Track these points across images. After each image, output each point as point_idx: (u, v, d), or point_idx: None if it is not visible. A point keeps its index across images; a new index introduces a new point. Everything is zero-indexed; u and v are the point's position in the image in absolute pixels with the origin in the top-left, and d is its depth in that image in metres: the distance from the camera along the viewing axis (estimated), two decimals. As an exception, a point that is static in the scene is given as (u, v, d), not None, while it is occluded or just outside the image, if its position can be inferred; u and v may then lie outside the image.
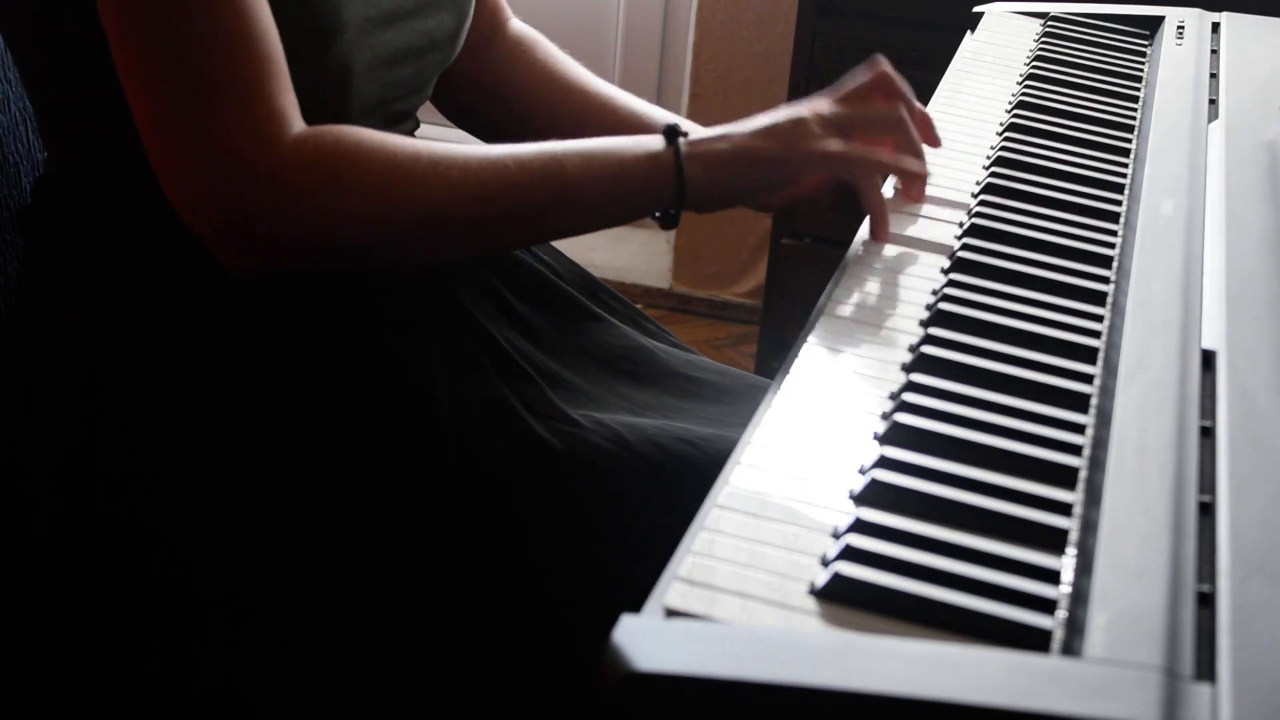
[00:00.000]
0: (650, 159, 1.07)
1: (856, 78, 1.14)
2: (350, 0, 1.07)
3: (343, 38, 1.06)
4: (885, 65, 1.15)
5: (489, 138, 1.37)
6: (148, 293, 1.08)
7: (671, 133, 1.07)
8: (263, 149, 0.98)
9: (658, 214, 1.10)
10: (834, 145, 1.09)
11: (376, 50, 1.10)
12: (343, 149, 1.01)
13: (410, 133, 1.22)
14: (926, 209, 1.16)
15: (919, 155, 1.15)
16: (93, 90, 1.05)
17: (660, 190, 1.07)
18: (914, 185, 1.15)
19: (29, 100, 1.20)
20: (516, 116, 1.33)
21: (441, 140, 1.06)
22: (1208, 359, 0.91)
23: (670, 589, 0.71)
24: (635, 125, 1.29)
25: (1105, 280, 1.05)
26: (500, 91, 1.33)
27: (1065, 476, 0.82)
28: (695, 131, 1.10)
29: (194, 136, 0.97)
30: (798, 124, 1.09)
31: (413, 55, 1.14)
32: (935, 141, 1.20)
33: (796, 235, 2.36)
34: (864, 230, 1.12)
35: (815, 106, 1.11)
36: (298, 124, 1.01)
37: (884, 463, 0.82)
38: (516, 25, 1.35)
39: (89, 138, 1.09)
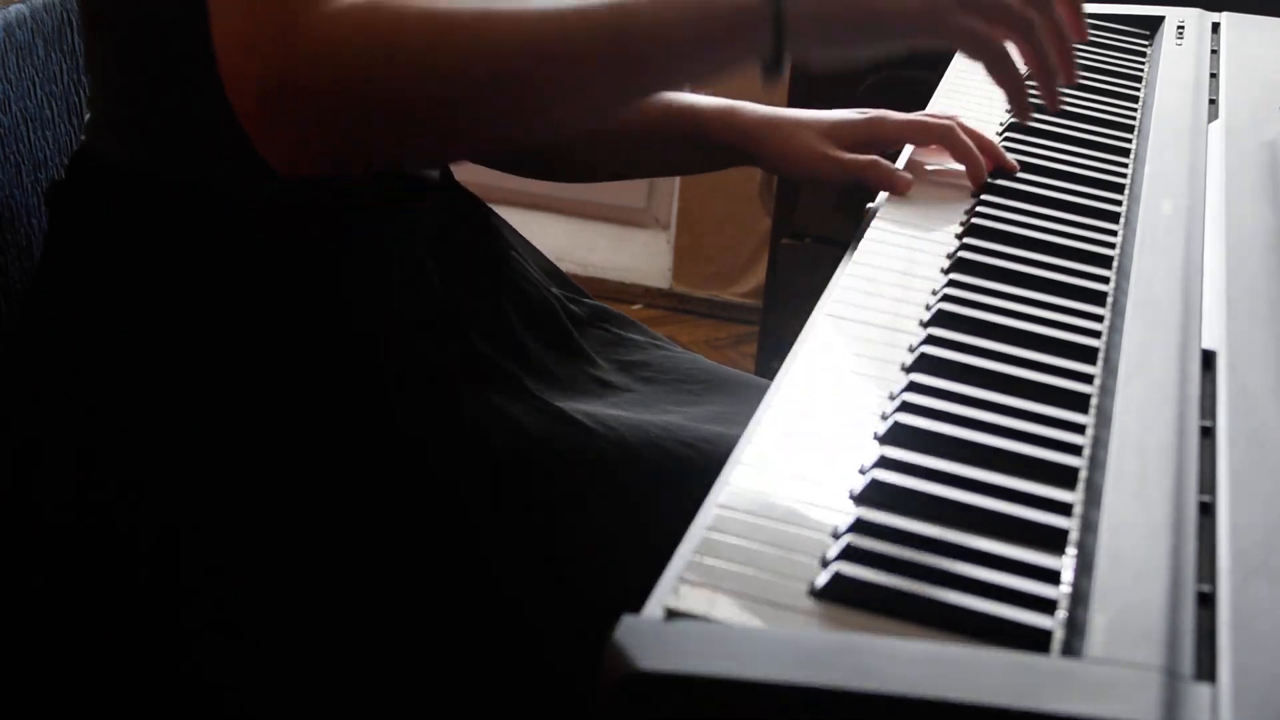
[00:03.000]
0: (743, 7, 0.95)
1: None
2: None
3: None
4: None
5: (516, 169, 1.38)
6: (177, 279, 1.08)
7: None
8: (298, 17, 0.92)
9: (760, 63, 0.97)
10: (974, 24, 1.00)
11: None
12: (379, 12, 0.93)
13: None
14: (926, 209, 1.16)
15: (1061, 45, 1.06)
16: (153, 40, 1.06)
17: (754, 44, 0.95)
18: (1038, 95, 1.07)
19: (83, 60, 1.19)
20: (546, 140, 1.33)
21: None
22: (1208, 359, 0.91)
23: (671, 589, 0.71)
24: (653, 108, 1.29)
25: (1105, 280, 1.05)
26: None
27: (1065, 476, 0.82)
28: None
29: (234, 16, 0.93)
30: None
31: None
32: (1081, 35, 1.11)
33: (796, 235, 2.36)
34: (863, 229, 1.12)
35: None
36: None
37: (884, 463, 0.82)
38: None
39: (141, 95, 1.09)
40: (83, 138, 1.17)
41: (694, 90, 1.00)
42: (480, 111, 0.96)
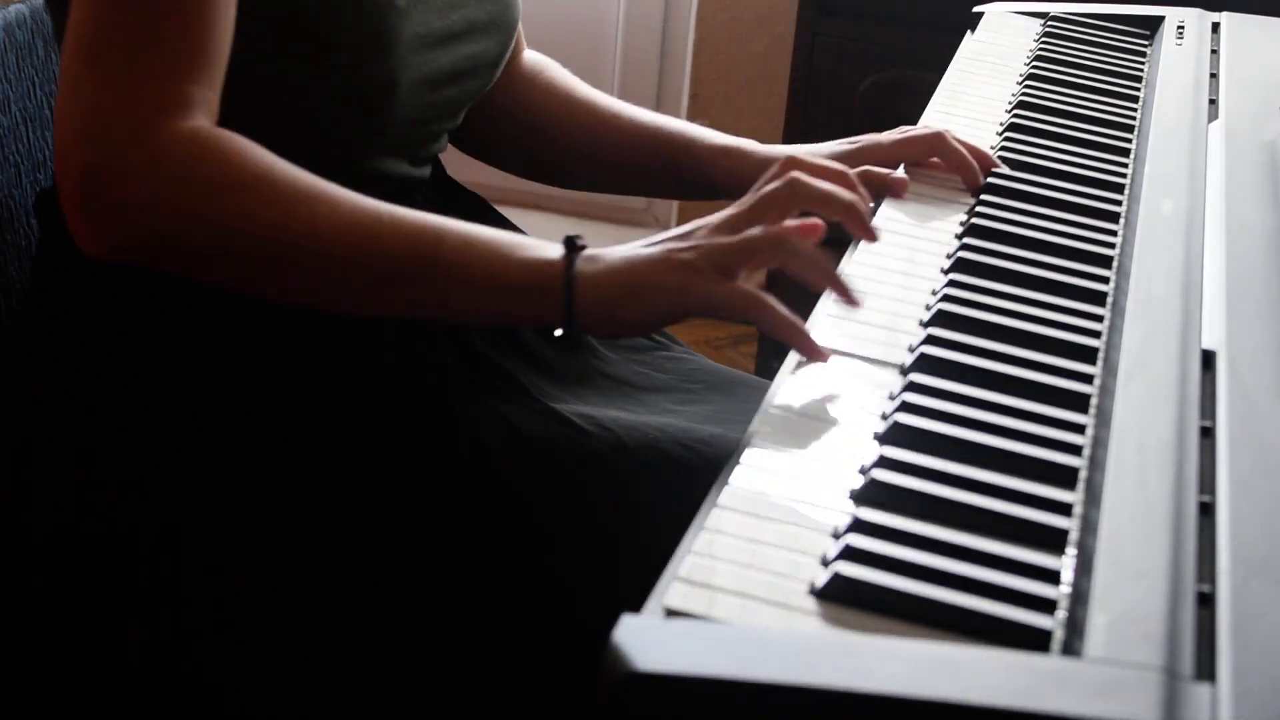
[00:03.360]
0: (538, 269, 0.97)
1: (758, 187, 1.04)
2: (407, 17, 1.07)
3: (394, 53, 1.06)
4: (795, 172, 1.03)
5: (499, 162, 1.38)
6: (171, 281, 1.08)
7: (570, 244, 0.98)
8: (145, 122, 0.96)
9: (558, 336, 0.99)
10: (732, 290, 0.98)
11: (424, 69, 1.11)
12: (222, 150, 0.97)
13: (437, 156, 1.23)
14: (926, 209, 1.16)
15: (819, 271, 0.99)
16: None
17: (547, 306, 0.97)
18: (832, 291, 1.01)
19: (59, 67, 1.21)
20: (529, 139, 1.33)
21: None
22: (1208, 359, 0.91)
23: (670, 589, 0.71)
24: (644, 135, 1.30)
25: (1105, 280, 1.05)
26: (513, 115, 1.33)
27: (1065, 476, 0.82)
28: (594, 249, 0.99)
29: (86, 85, 0.96)
30: (699, 255, 0.98)
31: (456, 79, 1.15)
32: (870, 235, 1.04)
33: (796, 235, 2.36)
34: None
35: (703, 235, 1.01)
36: (194, 118, 0.97)
37: (884, 463, 0.82)
38: (529, 53, 1.36)
39: None
40: None
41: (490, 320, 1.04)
42: (273, 276, 0.99)
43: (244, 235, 0.97)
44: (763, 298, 0.97)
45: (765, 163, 1.23)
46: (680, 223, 3.19)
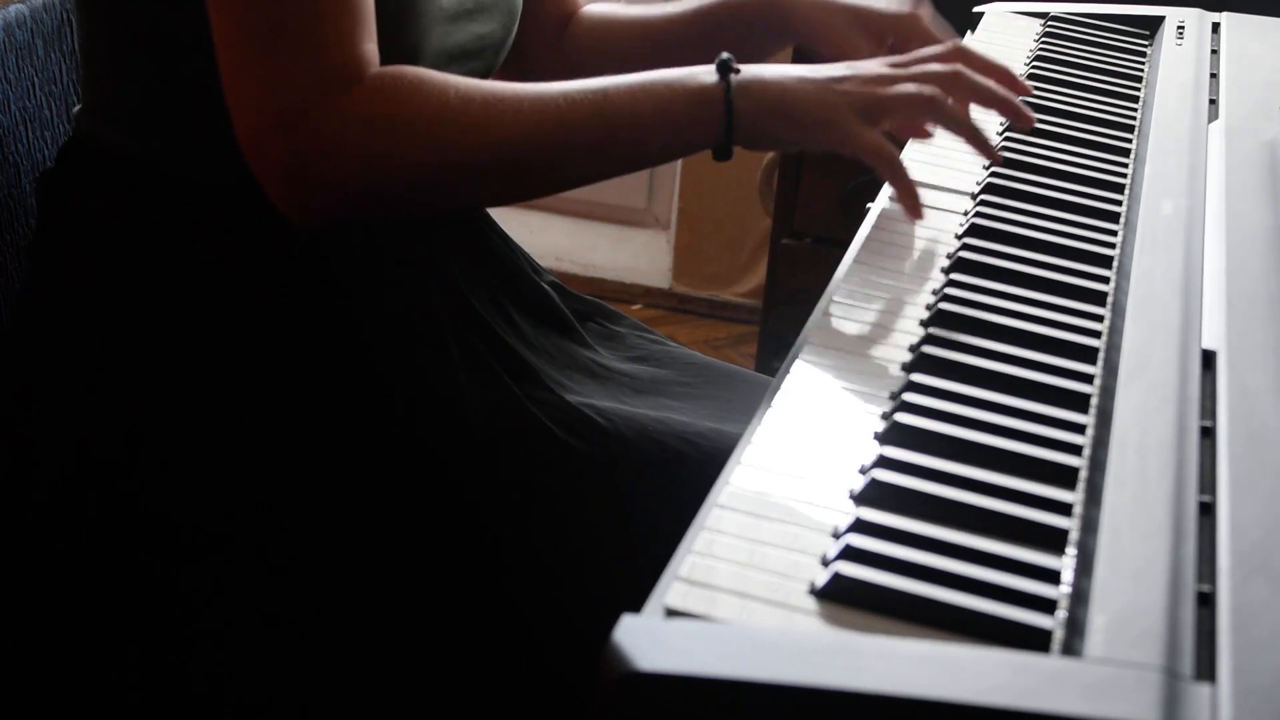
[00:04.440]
0: (700, 92, 1.06)
1: (921, 56, 1.13)
2: None
3: (419, 23, 1.09)
4: (958, 43, 1.16)
5: None
6: (167, 264, 1.08)
7: (724, 67, 1.07)
8: (329, 98, 1.00)
9: (713, 153, 1.09)
10: (870, 138, 1.08)
11: (443, 42, 1.13)
12: (402, 97, 1.02)
13: None
14: (926, 209, 1.16)
15: (966, 128, 1.12)
16: (151, 32, 1.07)
17: (710, 128, 1.07)
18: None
19: (78, 47, 1.22)
20: (605, 60, 1.35)
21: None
22: (1208, 359, 0.91)
23: (670, 589, 0.71)
24: (692, 18, 1.34)
25: (1105, 280, 1.05)
26: (577, 70, 1.34)
27: (1065, 476, 0.82)
28: (749, 69, 1.08)
29: (263, 76, 1.00)
30: (844, 96, 1.07)
31: (466, 56, 1.17)
32: (1024, 89, 1.19)
33: (796, 235, 2.36)
34: (863, 229, 1.12)
35: (867, 74, 1.09)
36: (372, 68, 1.02)
37: (884, 462, 0.82)
38: (589, 6, 1.39)
39: (137, 82, 1.09)
40: (72, 127, 1.17)
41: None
42: (484, 189, 1.09)
43: (451, 165, 1.04)
44: (894, 153, 1.09)
45: (854, 13, 1.28)
46: (680, 223, 3.18)
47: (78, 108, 1.16)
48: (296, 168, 1.01)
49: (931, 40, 1.25)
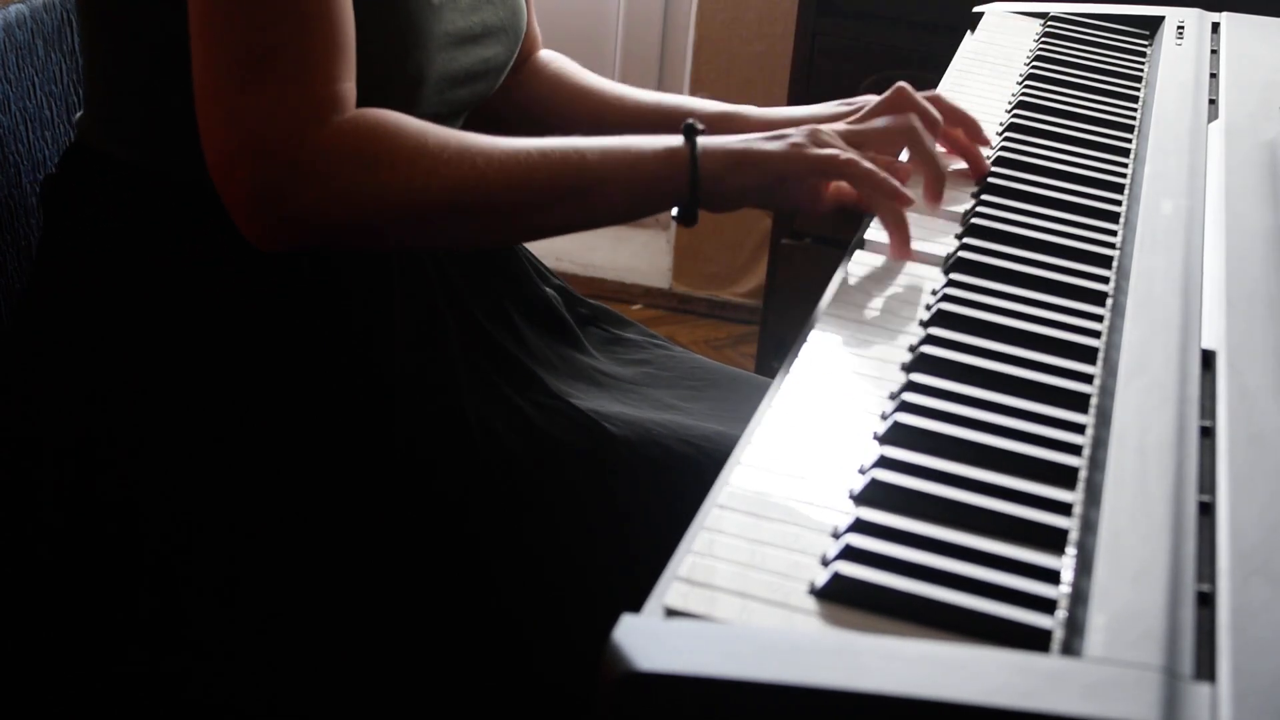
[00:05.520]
0: (667, 153, 1.09)
1: (874, 108, 1.19)
2: (439, 15, 1.11)
3: (423, 49, 1.10)
4: (904, 86, 1.20)
5: None
6: (169, 270, 1.08)
7: (690, 130, 1.10)
8: (305, 131, 1.00)
9: (676, 214, 1.11)
10: (838, 154, 1.10)
11: (447, 67, 1.13)
12: (379, 135, 1.03)
13: None
14: (925, 210, 1.16)
15: (933, 162, 1.15)
16: (152, 42, 1.07)
17: (676, 184, 1.09)
18: (932, 187, 1.15)
19: (81, 53, 1.21)
20: (539, 125, 1.35)
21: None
22: (1208, 359, 0.91)
23: (670, 589, 0.71)
24: (646, 111, 1.34)
25: (1105, 280, 1.05)
26: (526, 108, 1.37)
27: (1065, 476, 0.82)
28: (714, 137, 1.12)
29: (242, 104, 0.99)
30: (809, 133, 1.11)
31: (471, 79, 1.18)
32: (982, 140, 1.23)
33: (796, 235, 2.36)
34: (863, 230, 1.12)
35: (830, 123, 1.13)
36: (348, 108, 1.03)
37: (884, 462, 0.82)
38: (545, 51, 1.40)
39: (138, 94, 1.09)
40: (74, 133, 1.17)
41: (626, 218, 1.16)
42: (452, 232, 1.08)
43: (420, 204, 1.04)
44: (862, 160, 1.10)
45: (766, 125, 1.28)
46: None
47: (79, 114, 1.16)
48: (265, 197, 1.00)
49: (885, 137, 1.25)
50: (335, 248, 1.08)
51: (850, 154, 1.10)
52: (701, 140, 1.10)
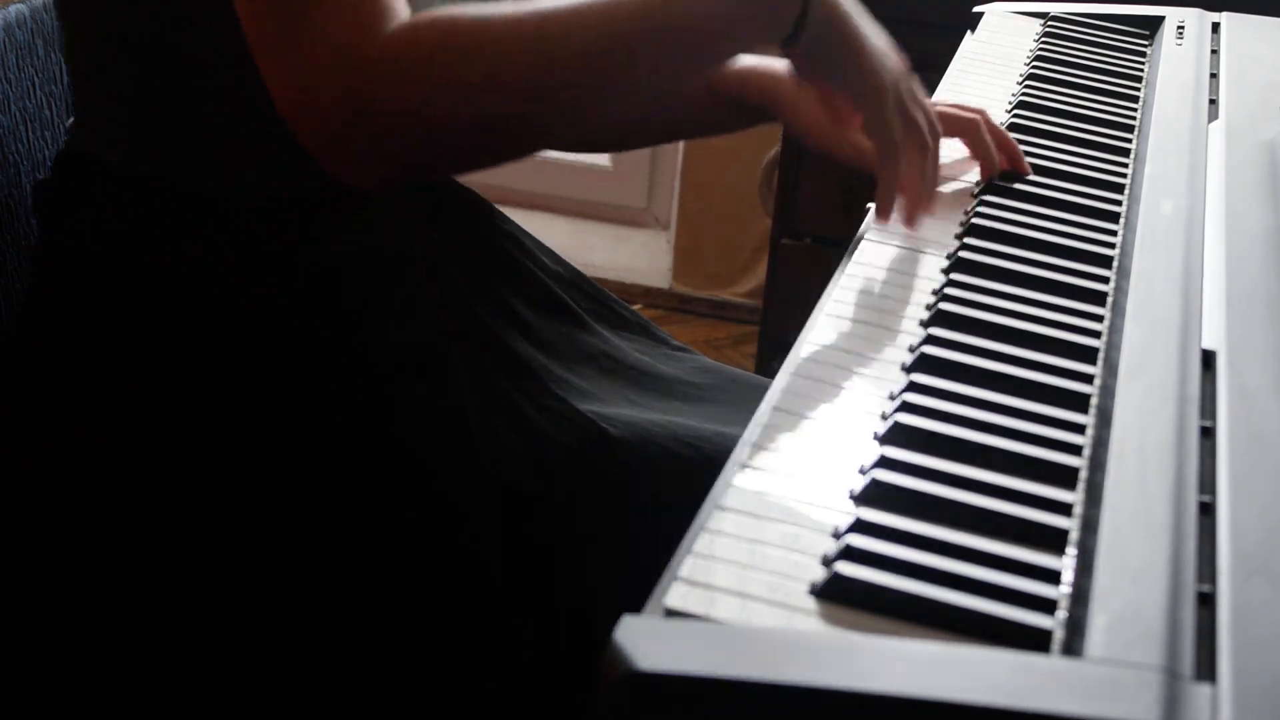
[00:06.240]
0: None
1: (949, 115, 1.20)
2: None
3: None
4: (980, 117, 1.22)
5: None
6: (166, 273, 1.08)
7: None
8: (364, 39, 0.95)
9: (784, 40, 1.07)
10: (898, 130, 1.10)
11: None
12: (445, 26, 0.97)
13: None
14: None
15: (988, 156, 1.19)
16: (137, 45, 1.06)
17: (779, 18, 1.05)
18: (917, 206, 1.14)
19: (64, 61, 1.20)
20: None
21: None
22: (1208, 359, 0.91)
23: (670, 589, 0.71)
24: None
25: (1105, 280, 1.05)
26: None
27: (1065, 476, 0.82)
28: None
29: (301, 28, 0.95)
30: (892, 86, 1.10)
31: None
32: (1025, 169, 1.22)
33: (796, 235, 2.36)
34: (863, 230, 1.12)
35: (906, 88, 1.12)
36: (402, 15, 0.98)
37: (884, 463, 0.82)
38: None
39: (126, 99, 1.09)
40: (66, 138, 1.17)
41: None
42: (552, 116, 1.01)
43: (504, 83, 0.98)
44: (900, 152, 1.10)
45: (794, 84, 1.24)
46: (680, 223, 3.17)
47: (70, 120, 1.16)
48: (355, 111, 0.95)
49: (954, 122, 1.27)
50: (433, 170, 1.05)
51: (923, 136, 1.11)
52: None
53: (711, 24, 1.03)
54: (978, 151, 1.21)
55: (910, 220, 1.12)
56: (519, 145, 1.06)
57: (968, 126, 1.21)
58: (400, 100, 0.96)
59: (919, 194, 1.12)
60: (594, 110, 1.06)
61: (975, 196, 1.17)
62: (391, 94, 0.96)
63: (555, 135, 1.10)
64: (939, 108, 1.24)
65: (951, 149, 1.24)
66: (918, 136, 1.12)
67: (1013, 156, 1.21)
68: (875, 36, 1.11)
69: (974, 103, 1.36)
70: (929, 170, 1.12)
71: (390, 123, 0.96)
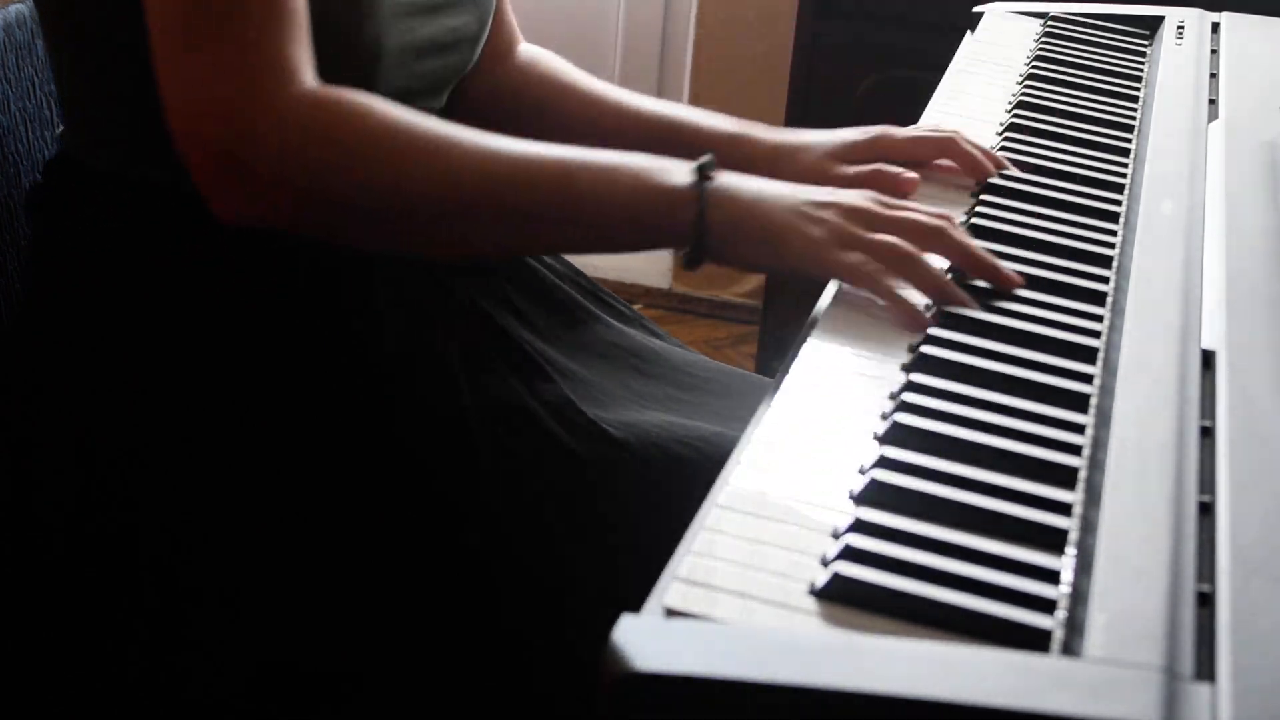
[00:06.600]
0: (672, 193, 1.01)
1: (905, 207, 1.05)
2: None
3: (377, 17, 1.07)
4: (956, 137, 1.18)
5: None
6: (162, 276, 1.08)
7: (702, 172, 1.01)
8: (261, 92, 0.97)
9: (684, 257, 1.04)
10: (853, 261, 1.00)
11: (406, 37, 1.11)
12: (346, 108, 0.99)
13: None
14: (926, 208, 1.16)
15: (937, 288, 1.01)
16: (120, 53, 1.06)
17: (678, 229, 1.01)
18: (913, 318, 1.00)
19: (50, 66, 1.20)
20: (528, 126, 1.33)
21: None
22: (1208, 359, 0.91)
23: (670, 589, 0.71)
24: (647, 122, 1.29)
25: (1105, 280, 1.05)
26: (513, 103, 1.33)
27: (1065, 476, 0.82)
28: (726, 180, 1.02)
29: (194, 64, 0.97)
30: (831, 230, 1.00)
31: (438, 50, 1.16)
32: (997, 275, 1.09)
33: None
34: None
35: (849, 205, 1.02)
36: (307, 78, 0.99)
37: (884, 463, 0.82)
38: (526, 45, 1.36)
39: (113, 105, 1.09)
40: (58, 144, 1.17)
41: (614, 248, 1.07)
42: (417, 229, 1.02)
43: (386, 189, 0.99)
44: (878, 271, 1.00)
45: (775, 152, 1.23)
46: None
47: (60, 128, 1.16)
48: (226, 161, 0.97)
49: (910, 152, 1.22)
50: (295, 229, 1.03)
51: (873, 236, 1.00)
52: (711, 189, 1.00)
53: (605, 231, 1.03)
54: (964, 163, 1.20)
55: (956, 301, 1.00)
56: (378, 242, 1.05)
57: (946, 145, 1.21)
58: (278, 167, 0.97)
59: (942, 294, 1.00)
60: (462, 241, 1.05)
61: (975, 197, 1.17)
62: (269, 159, 0.97)
63: (421, 248, 1.07)
64: (913, 133, 1.23)
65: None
66: (892, 253, 1.00)
67: (998, 165, 1.21)
68: (789, 194, 1.03)
69: (974, 103, 1.36)
70: (924, 273, 1.00)
71: (262, 185, 0.98)
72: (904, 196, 1.16)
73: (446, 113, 1.32)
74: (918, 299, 1.00)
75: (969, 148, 1.20)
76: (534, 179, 1.01)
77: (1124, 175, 1.22)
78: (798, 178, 1.20)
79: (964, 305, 0.99)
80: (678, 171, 1.02)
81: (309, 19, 1.01)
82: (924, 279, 1.00)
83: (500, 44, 1.32)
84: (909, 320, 0.98)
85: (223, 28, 0.97)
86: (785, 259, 1.01)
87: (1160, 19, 1.56)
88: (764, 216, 1.01)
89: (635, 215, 1.01)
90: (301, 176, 0.98)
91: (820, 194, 1.03)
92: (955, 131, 1.22)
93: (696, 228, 1.01)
